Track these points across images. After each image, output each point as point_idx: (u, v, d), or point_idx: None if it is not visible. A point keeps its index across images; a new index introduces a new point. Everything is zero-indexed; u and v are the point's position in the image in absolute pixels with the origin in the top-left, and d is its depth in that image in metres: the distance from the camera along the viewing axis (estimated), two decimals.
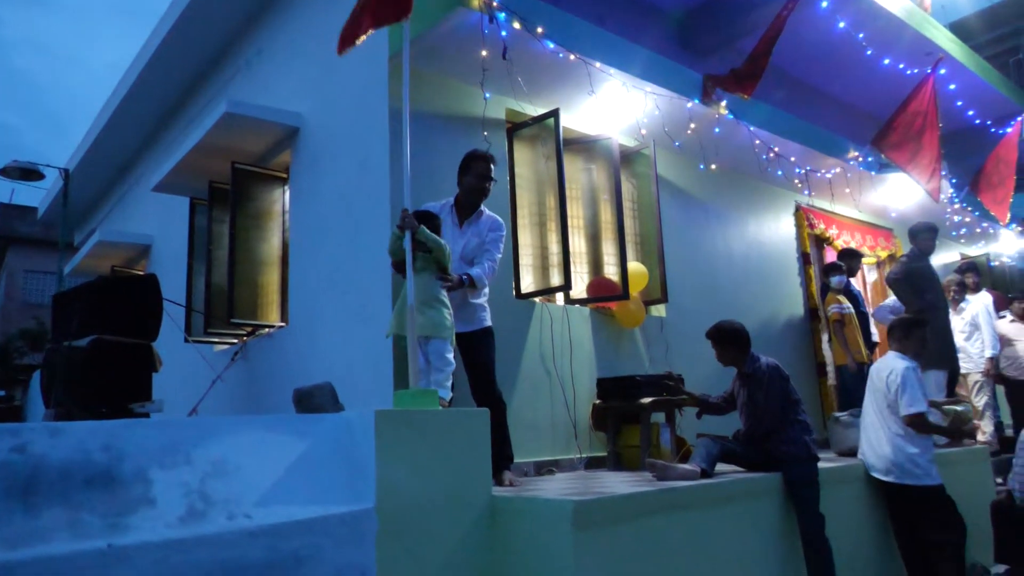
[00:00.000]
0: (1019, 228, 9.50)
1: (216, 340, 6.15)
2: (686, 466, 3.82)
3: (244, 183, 5.70)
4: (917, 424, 4.34)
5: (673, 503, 3.46)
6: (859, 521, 4.44)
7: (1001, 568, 4.82)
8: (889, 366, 4.49)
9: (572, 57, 4.47)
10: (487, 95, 4.52)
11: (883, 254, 8.26)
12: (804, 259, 7.33)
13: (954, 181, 7.53)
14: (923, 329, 4.58)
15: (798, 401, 4.21)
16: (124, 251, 8.63)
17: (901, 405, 4.37)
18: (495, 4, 4.05)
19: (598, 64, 4.62)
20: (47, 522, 2.30)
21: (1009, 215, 8.20)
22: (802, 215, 7.39)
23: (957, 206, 8.07)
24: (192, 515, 2.55)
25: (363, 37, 3.49)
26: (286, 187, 5.88)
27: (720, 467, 4.12)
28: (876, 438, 4.49)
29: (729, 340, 4.25)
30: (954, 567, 4.22)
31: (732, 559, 3.63)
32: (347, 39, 3.53)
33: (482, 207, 4.22)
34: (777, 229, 7.13)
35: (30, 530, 2.26)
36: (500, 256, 4.21)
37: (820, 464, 4.18)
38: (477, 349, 4.03)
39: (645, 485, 3.62)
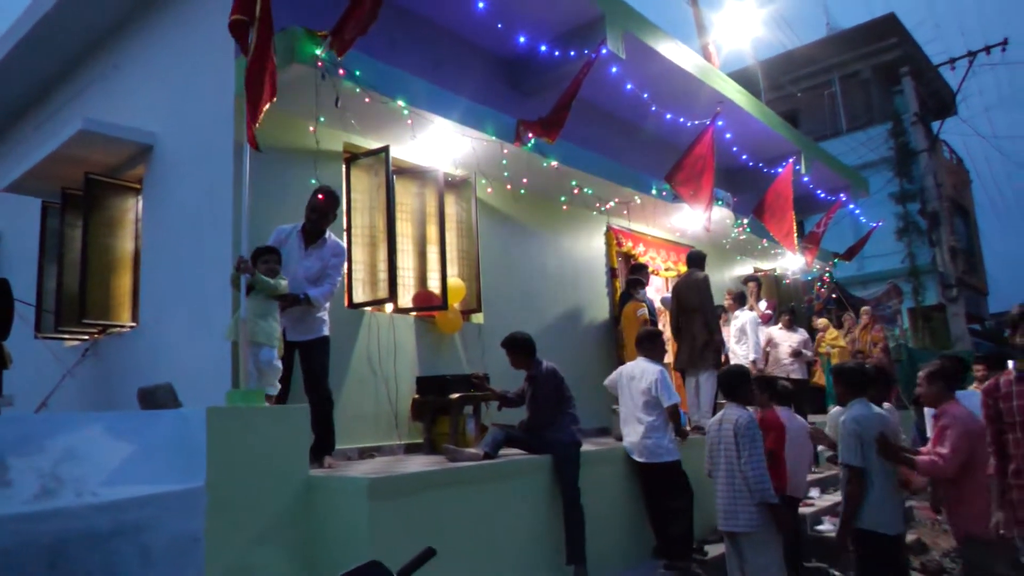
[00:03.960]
0: (800, 247, 11.16)
1: (66, 337, 6.48)
2: (472, 450, 4.75)
3: (97, 192, 6.10)
4: (674, 412, 5.46)
5: (457, 479, 4.34)
6: (617, 492, 5.51)
7: None
8: (642, 368, 5.59)
9: (398, 104, 5.26)
10: (318, 140, 5.23)
11: (683, 268, 9.59)
12: (612, 273, 8.49)
13: (729, 206, 8.88)
14: (660, 339, 5.76)
15: (570, 398, 5.23)
16: None
17: (663, 399, 5.46)
18: (325, 62, 4.75)
19: (422, 112, 5.42)
20: None
21: (797, 243, 9.73)
22: (611, 234, 8.55)
23: (741, 229, 9.51)
24: (45, 493, 3.16)
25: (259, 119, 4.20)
26: (139, 197, 6.30)
27: (506, 451, 5.07)
28: (632, 428, 5.59)
29: (517, 348, 5.22)
30: (683, 525, 5.39)
31: (506, 524, 4.54)
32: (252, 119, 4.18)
33: (327, 233, 4.91)
34: (589, 247, 8.23)
35: None
36: (340, 279, 4.97)
37: (586, 448, 5.23)
38: (313, 355, 4.76)
39: (437, 465, 4.50)
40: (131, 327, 6.10)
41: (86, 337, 6.43)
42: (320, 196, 4.83)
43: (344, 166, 5.90)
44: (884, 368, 7.73)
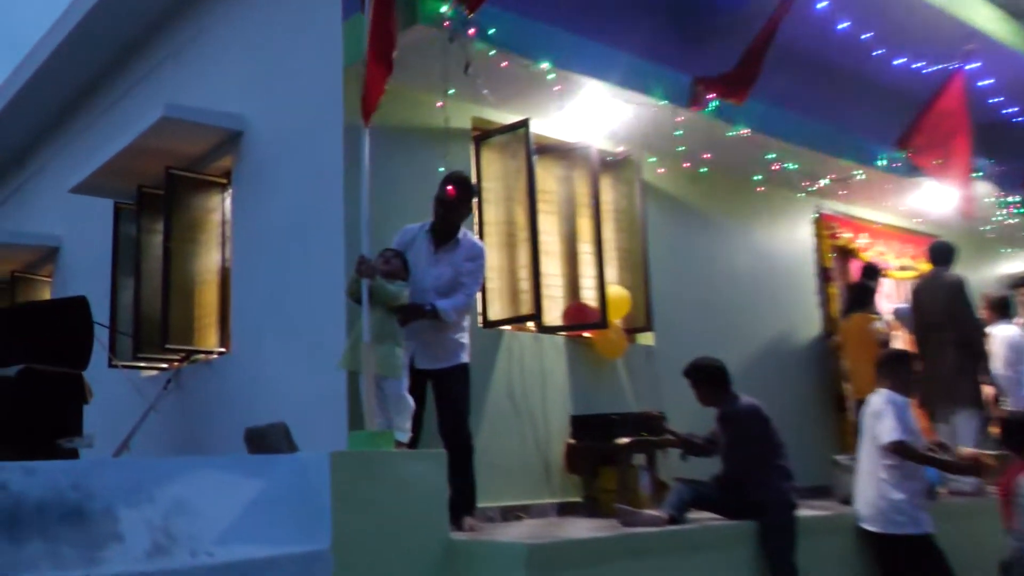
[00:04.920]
0: None
1: (143, 365, 7.17)
2: (653, 512, 4.89)
3: (180, 190, 6.72)
4: (901, 452, 5.35)
5: (635, 550, 4.48)
6: (847, 573, 5.48)
7: None
8: (874, 402, 5.54)
9: (542, 67, 5.51)
10: (448, 121, 5.54)
11: (924, 266, 9.30)
12: (824, 274, 8.43)
13: (992, 178, 8.54)
14: (908, 363, 5.66)
15: (779, 445, 5.26)
16: (25, 254, 9.62)
17: (880, 434, 5.39)
18: (453, 20, 5.05)
19: (570, 75, 5.66)
20: (31, 553, 3.34)
21: None
22: (823, 222, 8.48)
23: (1010, 209, 9.13)
24: (158, 550, 3.59)
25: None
26: (226, 194, 6.91)
27: (695, 514, 5.14)
28: (863, 483, 5.54)
29: (704, 378, 5.32)
30: None
31: None
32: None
33: (462, 232, 5.18)
34: (792, 239, 8.23)
35: (17, 560, 3.30)
36: (477, 289, 5.22)
37: (804, 512, 5.24)
38: (449, 387, 4.99)
39: (609, 531, 4.67)
40: (220, 353, 6.68)
41: (166, 366, 7.08)
42: (449, 188, 5.07)
43: (473, 146, 6.24)
44: None
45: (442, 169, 5.49)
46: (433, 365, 4.98)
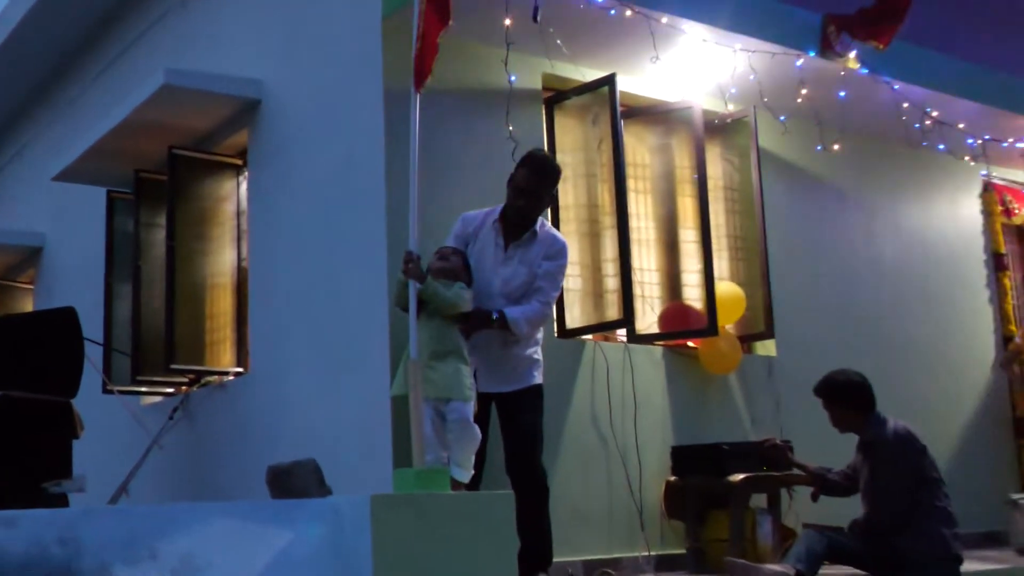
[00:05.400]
0: None
1: (145, 390, 7.24)
2: (776, 567, 4.79)
3: (185, 174, 6.78)
4: None
5: None
6: None
7: None
8: None
9: (629, 12, 5.43)
10: (512, 77, 5.47)
11: None
12: (996, 262, 8.21)
13: None
14: None
15: (937, 481, 5.13)
16: (1, 256, 9.81)
17: None
18: None
19: (665, 19, 5.57)
20: None
21: None
22: (994, 195, 8.28)
23: None
24: None
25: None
26: (242, 178, 6.96)
27: (830, 569, 5.04)
28: None
29: (840, 398, 5.21)
30: None
31: None
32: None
33: (539, 223, 5.07)
34: (953, 217, 8.07)
35: None
36: (556, 295, 5.12)
37: (971, 566, 5.07)
38: (519, 414, 4.93)
39: None
40: (236, 374, 6.71)
41: (171, 391, 7.15)
42: (526, 170, 4.96)
43: (544, 109, 6.17)
44: None
45: (508, 139, 5.44)
46: (499, 387, 4.93)
